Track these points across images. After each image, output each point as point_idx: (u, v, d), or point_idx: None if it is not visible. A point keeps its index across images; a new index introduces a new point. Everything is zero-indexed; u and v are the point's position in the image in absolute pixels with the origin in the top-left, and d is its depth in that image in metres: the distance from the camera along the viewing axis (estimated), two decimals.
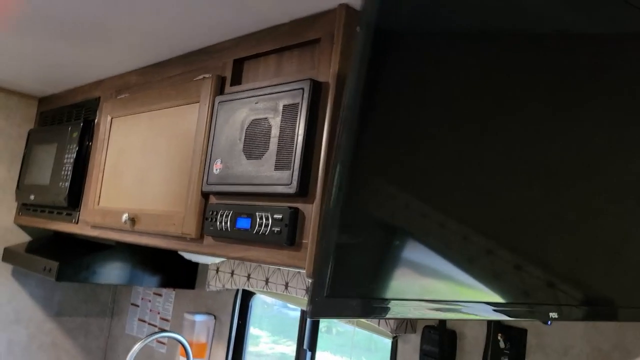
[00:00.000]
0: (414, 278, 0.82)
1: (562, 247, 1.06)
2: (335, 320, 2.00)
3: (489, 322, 1.44)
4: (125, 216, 1.71)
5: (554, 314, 0.93)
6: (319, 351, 2.08)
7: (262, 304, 2.42)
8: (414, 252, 0.80)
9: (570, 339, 1.34)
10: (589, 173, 1.07)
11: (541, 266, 1.02)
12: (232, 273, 2.14)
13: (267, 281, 1.98)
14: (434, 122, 0.86)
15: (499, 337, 1.41)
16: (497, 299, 0.93)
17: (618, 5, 1.04)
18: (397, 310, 0.76)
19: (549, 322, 0.94)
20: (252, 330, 2.38)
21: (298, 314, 2.08)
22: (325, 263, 0.68)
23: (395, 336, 1.65)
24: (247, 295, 2.24)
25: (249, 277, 2.06)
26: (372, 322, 1.63)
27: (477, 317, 0.88)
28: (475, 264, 0.88)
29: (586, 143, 1.07)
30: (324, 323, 2.51)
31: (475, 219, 0.92)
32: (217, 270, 2.21)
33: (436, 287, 0.83)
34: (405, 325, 1.59)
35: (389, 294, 0.75)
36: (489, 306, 0.91)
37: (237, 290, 2.24)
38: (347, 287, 0.71)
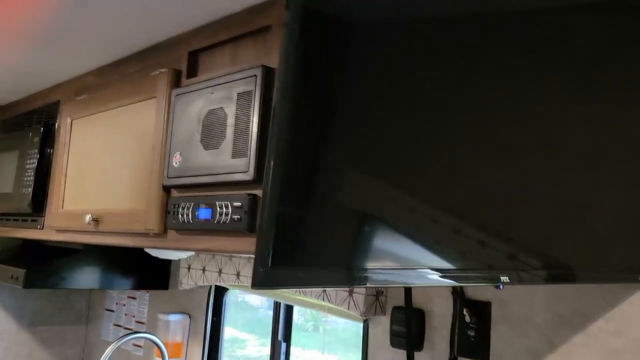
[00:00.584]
0: (365, 251, 0.83)
1: (524, 218, 1.08)
2: (322, 318, 2.00)
3: (455, 298, 1.47)
4: (88, 217, 1.69)
5: (504, 277, 0.95)
6: (307, 349, 2.08)
7: (250, 308, 2.42)
8: (358, 222, 0.81)
9: (532, 308, 1.37)
10: (546, 144, 1.10)
11: (505, 239, 1.04)
12: (204, 270, 2.13)
13: (238, 275, 1.98)
14: (380, 103, 0.87)
15: (465, 312, 1.43)
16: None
17: None
18: (344, 277, 0.77)
19: (501, 286, 0.96)
20: (239, 334, 2.38)
21: None
22: (268, 233, 0.69)
23: (366, 319, 1.67)
24: (221, 291, 2.24)
25: (220, 272, 2.06)
26: (341, 307, 1.64)
27: (427, 284, 0.89)
28: (422, 231, 0.90)
29: (541, 115, 1.09)
30: (310, 322, 2.52)
31: (426, 195, 0.93)
32: (189, 268, 2.20)
33: (386, 259, 0.84)
34: (374, 308, 1.61)
35: (337, 264, 0.76)
36: (438, 272, 0.92)
37: (210, 286, 2.23)
38: (291, 256, 0.71)
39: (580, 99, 1.13)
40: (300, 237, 0.73)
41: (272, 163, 0.70)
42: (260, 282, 0.67)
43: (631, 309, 1.22)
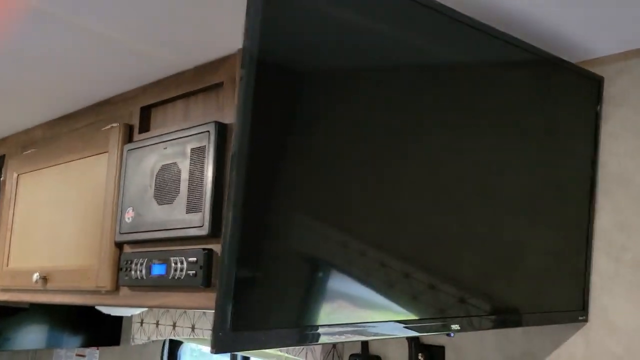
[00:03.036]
0: (321, 305, 0.85)
1: (470, 263, 1.12)
2: None
3: (410, 343, 1.49)
4: (36, 275, 1.64)
5: (455, 325, 0.98)
6: None
7: (207, 356, 2.36)
8: (317, 279, 0.83)
9: (484, 351, 1.41)
10: (486, 193, 1.15)
11: (452, 282, 1.08)
12: (157, 323, 2.08)
13: (193, 328, 1.94)
14: (330, 153, 0.91)
15: (420, 357, 1.46)
16: (412, 317, 0.97)
17: (487, 39, 1.15)
18: (304, 336, 0.78)
19: (452, 334, 1.00)
20: None
21: None
22: (227, 296, 0.70)
23: None
24: (175, 345, 2.18)
25: (174, 325, 2.02)
26: (299, 357, 1.64)
27: (381, 337, 0.92)
28: (373, 276, 0.92)
29: (478, 162, 1.15)
30: None
31: (376, 241, 0.96)
32: (142, 323, 2.14)
33: (343, 311, 0.87)
34: (331, 356, 1.61)
35: (296, 323, 0.78)
36: (399, 324, 0.95)
37: (164, 341, 2.18)
38: (251, 319, 0.72)
39: (512, 147, 1.20)
40: (259, 297, 0.74)
41: (230, 222, 0.72)
42: (219, 347, 0.67)
43: (575, 348, 1.28)
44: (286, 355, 1.71)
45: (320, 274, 0.86)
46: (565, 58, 1.27)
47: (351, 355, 1.59)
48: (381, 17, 0.96)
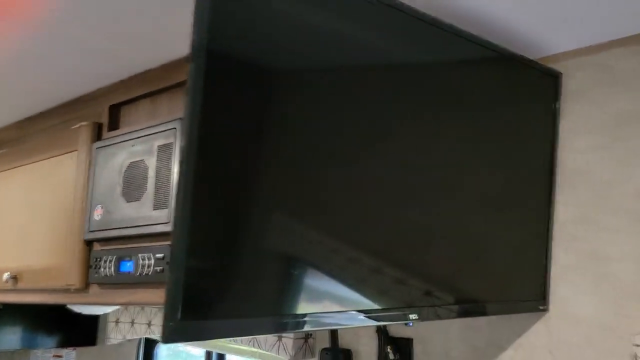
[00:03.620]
0: (275, 295, 0.86)
1: (436, 257, 1.15)
2: None
3: (379, 336, 1.51)
4: (6, 275, 1.64)
5: (413, 315, 1.01)
6: None
7: (191, 357, 2.36)
8: (270, 269, 0.85)
9: (450, 342, 1.43)
10: (452, 189, 1.17)
11: (420, 276, 1.10)
12: (133, 322, 2.08)
13: None
14: (287, 147, 0.92)
15: (389, 349, 1.48)
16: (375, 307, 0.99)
17: (451, 38, 1.17)
18: (256, 327, 0.80)
19: (410, 324, 1.02)
20: None
21: None
22: (177, 286, 0.71)
23: None
24: (151, 344, 2.19)
25: (149, 324, 2.02)
26: (271, 352, 1.65)
27: (343, 326, 0.93)
28: (343, 272, 0.94)
29: (443, 160, 1.17)
30: None
31: (345, 236, 0.98)
32: (117, 322, 2.14)
33: (300, 302, 0.88)
34: (303, 351, 1.63)
35: (247, 313, 0.79)
36: (359, 314, 0.97)
37: (140, 339, 2.18)
38: (202, 309, 0.74)
39: (476, 144, 1.22)
40: (210, 287, 0.76)
41: (179, 213, 0.73)
42: (169, 337, 0.69)
43: (536, 337, 1.31)
44: (259, 350, 1.72)
45: (274, 264, 0.87)
46: (524, 55, 1.30)
47: (322, 349, 1.61)
48: (340, 14, 0.98)
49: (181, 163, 0.73)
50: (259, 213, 0.86)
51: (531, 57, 1.33)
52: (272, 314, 0.84)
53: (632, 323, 1.19)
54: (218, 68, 0.78)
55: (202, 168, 0.76)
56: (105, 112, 1.56)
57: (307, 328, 0.86)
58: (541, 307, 1.29)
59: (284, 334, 1.61)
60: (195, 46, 0.74)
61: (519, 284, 1.27)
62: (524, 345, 1.33)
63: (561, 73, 1.35)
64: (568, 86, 1.35)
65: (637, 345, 1.07)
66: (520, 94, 1.29)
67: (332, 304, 0.93)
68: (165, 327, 0.69)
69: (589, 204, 1.28)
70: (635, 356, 1.13)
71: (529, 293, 1.28)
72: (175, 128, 1.31)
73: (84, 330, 2.31)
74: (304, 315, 0.87)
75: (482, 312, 1.25)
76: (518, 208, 1.28)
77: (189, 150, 0.73)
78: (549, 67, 1.34)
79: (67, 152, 1.60)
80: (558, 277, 1.30)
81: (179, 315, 0.71)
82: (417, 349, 1.48)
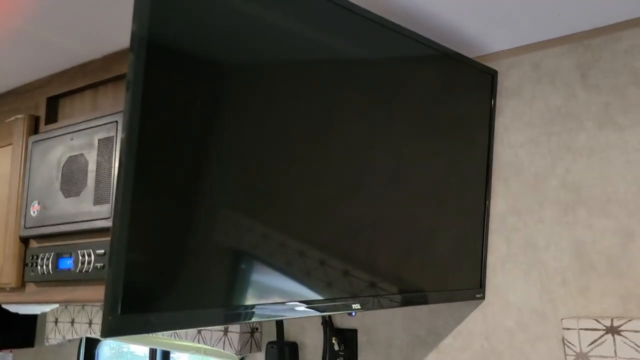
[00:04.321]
0: (216, 288, 0.86)
1: (380, 247, 1.17)
2: None
3: (325, 328, 1.54)
4: None
5: (356, 305, 1.03)
6: None
7: (135, 358, 2.31)
8: (210, 262, 0.85)
9: (393, 332, 1.47)
10: (396, 182, 1.21)
11: (365, 268, 1.13)
12: (73, 322, 2.03)
13: None
14: (230, 140, 0.92)
15: (334, 340, 1.50)
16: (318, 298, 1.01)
17: (395, 36, 1.20)
18: (201, 319, 0.80)
19: (353, 313, 1.04)
20: None
21: None
22: (116, 280, 0.70)
23: (242, 357, 1.68)
24: (92, 344, 2.13)
25: (90, 323, 1.97)
26: (217, 347, 1.64)
27: (285, 317, 0.95)
28: (272, 260, 0.95)
29: (389, 152, 1.20)
30: None
31: (291, 229, 0.99)
32: (56, 322, 2.08)
33: (242, 294, 0.89)
34: (249, 345, 1.63)
35: (187, 306, 0.79)
36: (301, 304, 0.98)
37: (81, 339, 2.12)
38: (142, 302, 0.73)
39: (421, 138, 1.27)
40: (155, 281, 0.75)
41: (119, 207, 0.72)
42: (109, 331, 0.68)
43: (474, 324, 1.37)
44: (205, 346, 1.71)
45: (219, 257, 0.87)
46: (463, 53, 1.35)
47: (269, 343, 1.62)
48: (284, 10, 0.99)
49: (121, 155, 0.72)
50: (203, 207, 0.85)
51: (469, 55, 1.38)
52: (217, 305, 0.84)
53: (558, 308, 1.26)
54: (159, 60, 0.77)
55: (143, 161, 0.75)
56: (43, 105, 1.50)
57: (250, 319, 0.86)
58: (478, 295, 1.35)
59: (230, 329, 1.61)
60: (136, 37, 0.73)
61: (458, 274, 1.32)
62: (462, 332, 1.38)
63: (497, 71, 1.41)
64: (503, 83, 1.41)
65: (567, 329, 1.14)
66: (458, 90, 1.34)
67: (277, 296, 0.94)
68: (105, 321, 0.69)
69: (521, 196, 1.34)
70: (564, 339, 1.20)
71: (467, 282, 1.33)
72: (116, 121, 1.28)
73: (21, 331, 2.23)
74: (248, 307, 0.87)
75: (424, 301, 1.29)
76: (457, 201, 1.33)
77: (129, 143, 0.72)
78: (486, 66, 1.39)
79: (2, 146, 1.54)
80: (494, 267, 1.36)
81: (119, 309, 0.70)
82: (361, 339, 1.51)
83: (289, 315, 0.96)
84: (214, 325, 0.89)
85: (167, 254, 0.80)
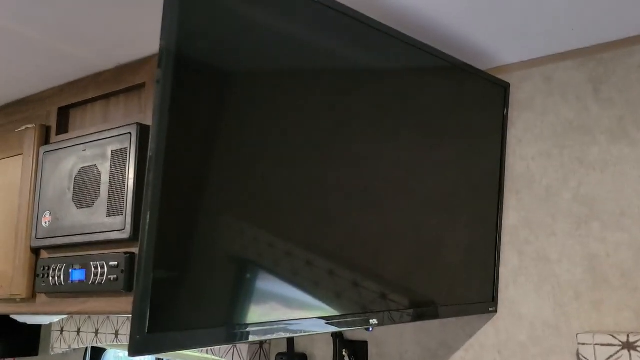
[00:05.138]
0: (242, 305, 0.86)
1: (391, 260, 1.17)
2: None
3: (334, 340, 1.53)
4: None
5: (374, 320, 1.03)
6: None
7: None
8: (238, 279, 0.85)
9: (404, 345, 1.47)
10: (406, 193, 1.21)
11: (374, 278, 1.13)
12: (79, 331, 2.02)
13: (116, 334, 1.90)
14: (253, 154, 0.92)
15: (344, 353, 1.50)
16: (335, 313, 1.01)
17: (406, 48, 1.20)
18: (225, 336, 0.79)
19: (370, 329, 1.04)
20: None
21: None
22: (144, 299, 0.70)
23: None
24: (98, 353, 2.12)
25: (97, 332, 1.96)
26: (225, 358, 1.64)
27: (308, 333, 0.95)
28: (299, 274, 0.95)
29: (399, 163, 1.20)
30: None
31: (301, 240, 0.99)
32: (62, 331, 2.07)
33: (264, 310, 0.89)
34: (258, 356, 1.63)
35: (214, 324, 0.79)
36: (321, 321, 0.98)
37: (86, 349, 2.11)
38: (169, 320, 0.73)
39: (432, 149, 1.27)
40: (178, 299, 0.75)
41: (147, 224, 0.72)
42: (137, 350, 0.68)
43: (486, 338, 1.37)
44: (213, 357, 1.70)
45: (241, 274, 0.87)
46: (475, 65, 1.35)
47: (278, 354, 1.61)
48: (301, 22, 0.99)
49: (148, 174, 0.72)
50: (222, 221, 0.85)
51: (482, 68, 1.39)
52: (236, 323, 0.84)
53: (572, 321, 1.26)
54: (185, 73, 0.77)
55: (169, 179, 0.75)
56: (54, 115, 1.50)
57: (274, 336, 0.86)
58: (491, 309, 1.35)
59: None
60: (164, 51, 0.73)
61: (470, 287, 1.32)
62: (474, 345, 1.38)
63: (509, 84, 1.41)
64: (516, 96, 1.41)
65: (582, 344, 1.14)
66: (471, 102, 1.34)
67: (293, 310, 0.94)
68: (132, 340, 0.68)
69: (533, 209, 1.35)
70: (579, 354, 1.20)
71: (479, 295, 1.33)
72: (130, 133, 1.28)
73: (26, 340, 2.21)
74: (271, 322, 0.87)
75: (435, 315, 1.29)
76: (469, 213, 1.33)
77: (157, 159, 0.72)
78: (498, 78, 1.40)
79: (12, 156, 1.53)
80: (506, 280, 1.36)
81: (146, 328, 0.70)
82: (372, 351, 1.51)
83: (309, 330, 0.96)
84: (238, 342, 0.89)
85: (192, 271, 0.79)
